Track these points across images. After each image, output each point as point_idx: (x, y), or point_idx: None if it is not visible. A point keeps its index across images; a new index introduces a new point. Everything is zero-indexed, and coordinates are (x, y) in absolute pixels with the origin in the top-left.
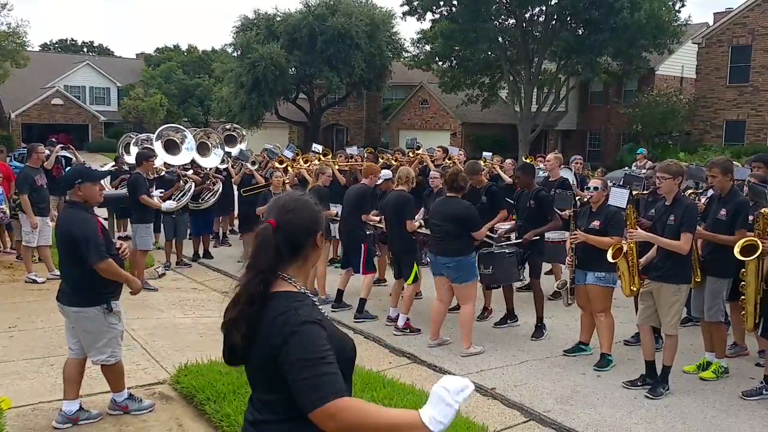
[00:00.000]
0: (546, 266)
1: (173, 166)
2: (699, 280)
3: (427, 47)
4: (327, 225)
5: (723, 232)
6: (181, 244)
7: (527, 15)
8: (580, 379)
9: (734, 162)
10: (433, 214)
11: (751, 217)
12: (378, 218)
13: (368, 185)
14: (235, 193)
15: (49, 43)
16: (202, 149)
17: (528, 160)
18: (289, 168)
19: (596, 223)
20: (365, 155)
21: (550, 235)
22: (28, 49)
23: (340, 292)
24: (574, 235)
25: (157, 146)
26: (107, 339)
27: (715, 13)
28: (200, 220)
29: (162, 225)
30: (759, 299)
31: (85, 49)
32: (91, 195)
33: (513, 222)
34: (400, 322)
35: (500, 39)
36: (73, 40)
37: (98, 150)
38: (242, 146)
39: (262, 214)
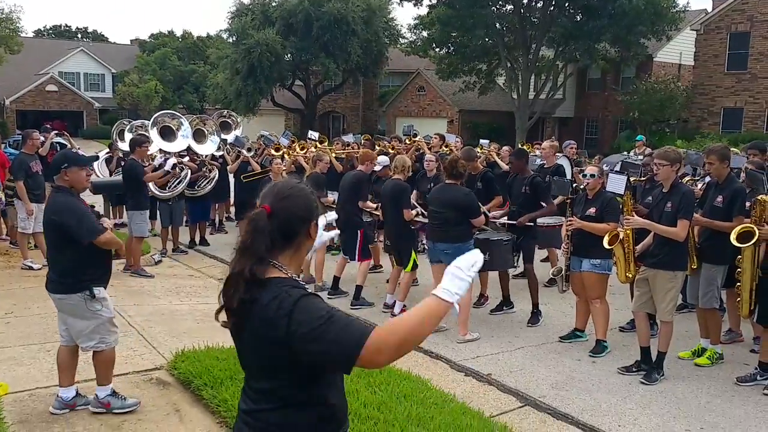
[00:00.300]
0: (542, 253)
1: (169, 153)
2: (695, 267)
3: (424, 33)
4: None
5: (720, 219)
6: (177, 231)
7: (525, 1)
8: (576, 365)
9: (733, 149)
10: (432, 200)
11: (747, 204)
12: (375, 205)
13: (364, 172)
14: (231, 180)
15: (42, 29)
16: (199, 136)
17: (525, 147)
18: (286, 155)
19: (592, 210)
20: (362, 142)
21: (545, 220)
22: (21, 35)
23: (336, 279)
24: (570, 222)
25: (153, 133)
26: (93, 326)
27: (713, 0)
28: (197, 207)
29: (158, 212)
30: (754, 286)
31: (79, 35)
32: (78, 180)
33: (506, 208)
34: (397, 309)
35: (498, 25)
36: (67, 25)
37: (93, 137)
38: (237, 133)
39: None
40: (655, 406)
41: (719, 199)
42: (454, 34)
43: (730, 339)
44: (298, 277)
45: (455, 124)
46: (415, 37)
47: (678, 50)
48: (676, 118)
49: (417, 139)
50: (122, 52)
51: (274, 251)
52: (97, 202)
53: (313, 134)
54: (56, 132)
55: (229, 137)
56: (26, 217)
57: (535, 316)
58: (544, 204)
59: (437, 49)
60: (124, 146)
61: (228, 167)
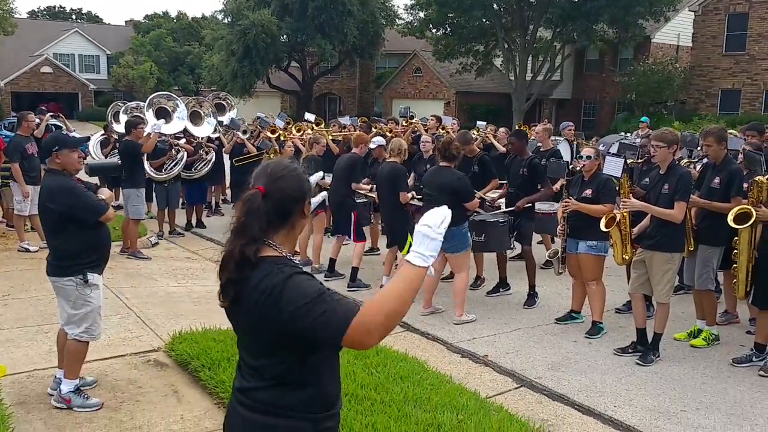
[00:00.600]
0: (536, 236)
1: (165, 134)
2: (692, 249)
3: (421, 14)
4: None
5: (717, 201)
6: (174, 213)
7: None
8: (572, 347)
9: (730, 131)
10: (426, 183)
11: (745, 185)
12: (369, 187)
13: (358, 154)
14: (227, 162)
15: (36, 10)
16: (195, 118)
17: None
18: (283, 137)
19: (588, 192)
20: (359, 125)
21: (540, 207)
22: (15, 16)
23: (332, 261)
24: (566, 203)
25: (149, 114)
26: (83, 313)
27: None
28: (194, 189)
29: (154, 194)
30: (751, 267)
31: (73, 16)
32: (70, 162)
33: (503, 190)
34: None
35: (495, 6)
36: (61, 6)
37: (88, 119)
38: (232, 114)
39: None
40: (651, 387)
41: (716, 180)
42: (451, 15)
43: (726, 320)
44: (293, 256)
45: (452, 106)
46: (411, 18)
47: (676, 31)
48: (674, 100)
49: (414, 121)
50: (117, 33)
51: (268, 231)
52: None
53: (309, 116)
54: (51, 114)
55: (224, 119)
56: (22, 200)
57: (532, 297)
58: (541, 186)
59: (434, 30)
60: (120, 128)
61: (223, 149)
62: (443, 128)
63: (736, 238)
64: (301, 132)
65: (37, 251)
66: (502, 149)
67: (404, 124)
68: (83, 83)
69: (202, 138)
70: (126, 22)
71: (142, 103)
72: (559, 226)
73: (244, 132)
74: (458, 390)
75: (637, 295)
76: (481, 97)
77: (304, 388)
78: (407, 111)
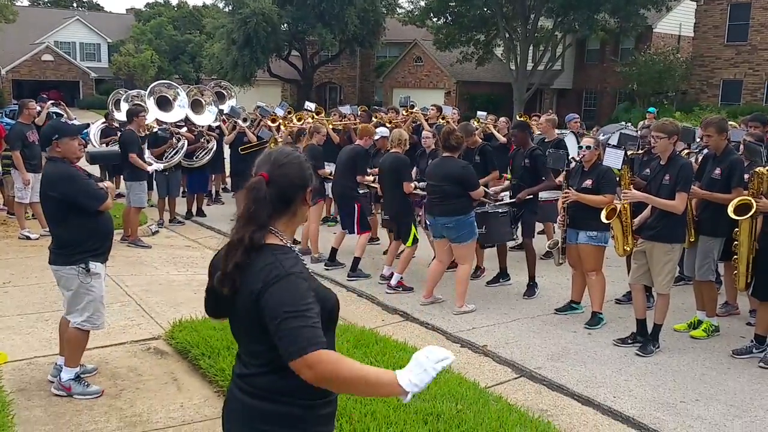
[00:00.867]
0: (538, 226)
1: (166, 123)
2: (693, 240)
3: (422, 2)
4: (321, 184)
5: (717, 191)
6: (174, 201)
7: None
8: (571, 337)
9: (731, 122)
10: (429, 174)
11: (746, 176)
12: (372, 179)
13: (363, 146)
14: (227, 151)
15: None
16: (196, 107)
17: (522, 119)
18: (282, 126)
19: (588, 182)
20: (359, 114)
21: (543, 195)
22: (16, 3)
23: (333, 251)
24: (566, 194)
25: (150, 103)
26: (85, 302)
27: None
28: (196, 178)
29: (155, 183)
30: (751, 259)
31: (74, 4)
32: (70, 150)
33: (506, 183)
34: (393, 281)
35: None
36: None
37: (89, 107)
38: (232, 103)
39: None
40: (651, 378)
41: (717, 171)
42: (451, 4)
43: (726, 312)
44: (294, 244)
45: (452, 96)
46: (412, 7)
47: (678, 21)
48: (675, 90)
49: (414, 110)
50: (118, 21)
51: (271, 218)
52: (94, 172)
53: (310, 105)
54: (53, 102)
55: (224, 107)
56: (23, 187)
57: (531, 288)
58: (544, 178)
59: (435, 19)
60: (121, 116)
61: (224, 138)
62: (444, 118)
63: (737, 229)
64: (302, 121)
65: (37, 239)
66: (503, 140)
67: (404, 113)
68: (84, 71)
69: (203, 126)
70: (127, 10)
71: (143, 92)
72: (559, 217)
73: (245, 120)
74: (457, 380)
75: (637, 286)
76: (482, 86)
77: (297, 374)
78: (407, 100)
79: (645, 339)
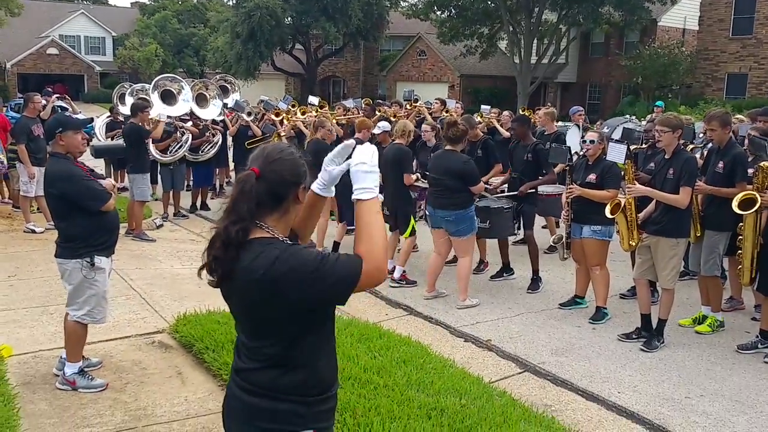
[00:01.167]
0: (541, 220)
1: (170, 117)
2: (699, 234)
3: None
4: None
5: (721, 185)
6: (179, 195)
7: None
8: (576, 332)
9: (737, 116)
10: (431, 167)
11: (750, 171)
12: None
13: (362, 139)
14: (230, 144)
15: None
16: (201, 100)
17: (525, 113)
18: (285, 120)
19: (592, 177)
20: (363, 107)
21: (545, 189)
22: None
23: (336, 245)
24: (570, 189)
25: (154, 97)
26: (86, 296)
27: None
28: (201, 172)
29: (159, 176)
30: (756, 254)
31: None
32: (74, 144)
33: (507, 175)
34: (397, 275)
35: None
36: None
37: (94, 100)
38: (236, 96)
39: None
40: (655, 373)
41: (720, 165)
42: None
43: (731, 307)
44: (287, 239)
45: (456, 89)
46: (416, 0)
47: (682, 15)
48: (680, 84)
49: (418, 104)
50: (122, 15)
51: (261, 213)
52: (98, 166)
53: (313, 99)
54: (58, 95)
55: (229, 101)
56: (28, 181)
57: (535, 282)
58: (545, 172)
59: (438, 12)
60: (125, 110)
61: (228, 131)
62: (447, 111)
63: (741, 224)
64: (305, 114)
65: (42, 232)
66: (506, 134)
67: (408, 107)
68: (89, 65)
69: (207, 120)
70: (131, 3)
71: (147, 85)
72: (563, 212)
73: (249, 114)
74: (461, 374)
75: (641, 281)
76: (486, 80)
77: (297, 370)
78: (411, 94)
79: (650, 334)
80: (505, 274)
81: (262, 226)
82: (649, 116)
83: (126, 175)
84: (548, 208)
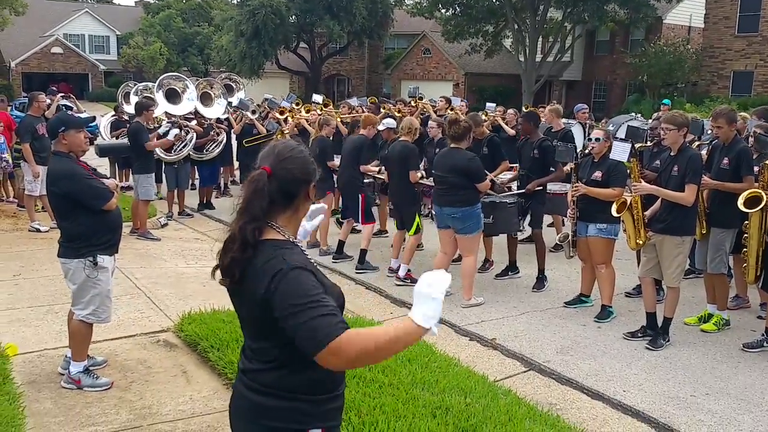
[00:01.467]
0: (547, 219)
1: (175, 115)
2: (705, 232)
3: None
4: (330, 176)
5: (727, 181)
6: (183, 194)
7: None
8: (581, 331)
9: (742, 113)
10: (437, 165)
11: (756, 169)
12: (377, 169)
13: (366, 136)
14: (234, 143)
15: None
16: (205, 99)
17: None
18: (290, 118)
19: (598, 175)
20: (368, 105)
21: (552, 187)
22: None
23: (341, 243)
24: (576, 187)
25: (159, 95)
26: (90, 295)
27: None
28: (206, 170)
29: (164, 175)
30: (761, 252)
31: None
32: (77, 143)
33: (515, 172)
34: (402, 273)
35: None
36: None
37: (99, 99)
38: (241, 95)
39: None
40: (661, 372)
41: (725, 161)
42: None
43: (737, 305)
44: (296, 239)
45: (461, 88)
46: None
47: (688, 12)
48: (685, 82)
49: (423, 102)
50: (127, 13)
51: (272, 212)
52: (103, 165)
53: (317, 97)
54: (62, 94)
55: (233, 100)
56: (33, 180)
57: (541, 281)
58: (552, 169)
59: (443, 10)
60: (130, 109)
61: (232, 129)
62: (452, 109)
63: (747, 222)
64: (310, 113)
65: (47, 231)
66: (511, 132)
67: (412, 104)
68: (93, 64)
69: (212, 119)
70: (136, 2)
71: (150, 84)
72: (569, 210)
73: (253, 112)
74: (466, 373)
75: (647, 279)
76: (491, 78)
77: (303, 370)
78: (416, 91)
79: (655, 332)
80: (510, 273)
81: (273, 225)
82: (655, 114)
83: (131, 174)
84: (555, 206)
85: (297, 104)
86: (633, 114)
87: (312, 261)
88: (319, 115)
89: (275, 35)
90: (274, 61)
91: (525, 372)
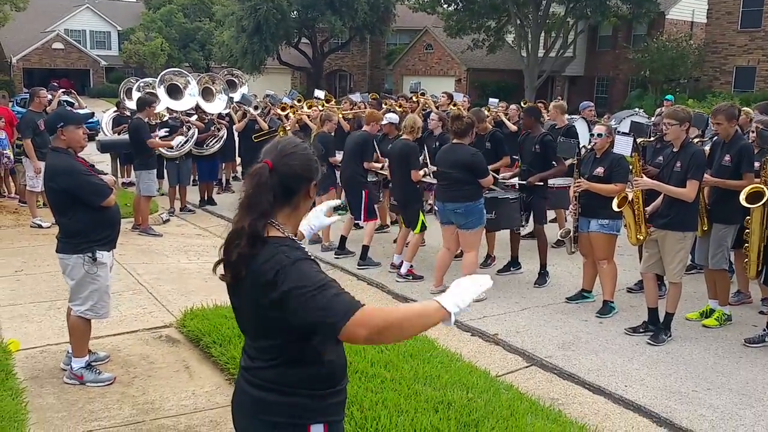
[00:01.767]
0: (550, 214)
1: (176, 111)
2: (706, 228)
3: None
4: (332, 172)
5: (728, 178)
6: (185, 190)
7: None
8: (582, 326)
9: (745, 109)
10: (439, 161)
11: (757, 164)
12: (380, 165)
13: (370, 132)
14: (236, 139)
15: None
16: (207, 95)
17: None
18: (292, 114)
19: (600, 170)
20: (369, 101)
21: (555, 181)
22: None
23: (343, 239)
24: (578, 182)
25: (160, 91)
26: (88, 291)
27: None
28: (206, 166)
29: (165, 171)
30: (762, 247)
31: None
32: (75, 139)
33: (515, 169)
34: (403, 269)
35: None
36: None
37: (100, 95)
38: (243, 91)
39: None
40: (662, 367)
41: (727, 158)
42: None
43: (738, 300)
44: (295, 236)
45: (463, 83)
46: None
47: (690, 7)
48: (688, 77)
49: (425, 97)
50: (128, 9)
51: (273, 209)
52: (105, 160)
53: (319, 93)
54: (63, 90)
55: (235, 95)
56: (34, 175)
57: (543, 276)
58: (554, 164)
59: (445, 6)
60: (132, 105)
61: (234, 126)
62: (454, 105)
63: (748, 217)
64: (312, 108)
65: (49, 227)
66: (513, 128)
67: (414, 99)
68: (94, 59)
69: (213, 115)
70: None
71: (153, 80)
72: (571, 205)
73: (256, 108)
74: (468, 368)
75: (648, 275)
76: (493, 73)
77: (305, 366)
78: (417, 86)
79: (657, 328)
80: (512, 269)
81: (272, 222)
82: (658, 110)
83: (132, 170)
84: (559, 200)
85: (298, 100)
86: (636, 109)
87: (312, 257)
88: (321, 110)
89: (277, 31)
90: (275, 56)
91: (527, 367)
